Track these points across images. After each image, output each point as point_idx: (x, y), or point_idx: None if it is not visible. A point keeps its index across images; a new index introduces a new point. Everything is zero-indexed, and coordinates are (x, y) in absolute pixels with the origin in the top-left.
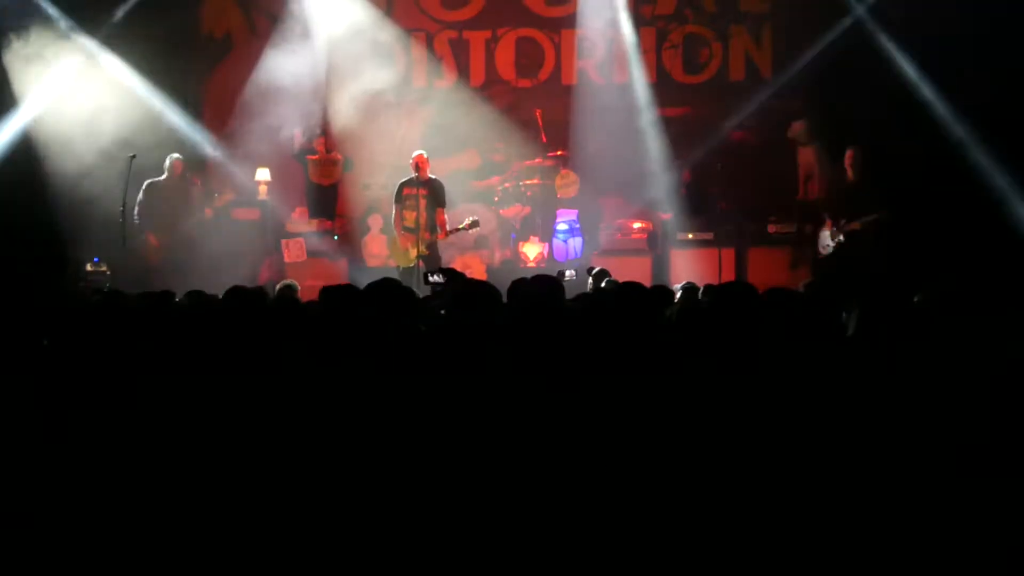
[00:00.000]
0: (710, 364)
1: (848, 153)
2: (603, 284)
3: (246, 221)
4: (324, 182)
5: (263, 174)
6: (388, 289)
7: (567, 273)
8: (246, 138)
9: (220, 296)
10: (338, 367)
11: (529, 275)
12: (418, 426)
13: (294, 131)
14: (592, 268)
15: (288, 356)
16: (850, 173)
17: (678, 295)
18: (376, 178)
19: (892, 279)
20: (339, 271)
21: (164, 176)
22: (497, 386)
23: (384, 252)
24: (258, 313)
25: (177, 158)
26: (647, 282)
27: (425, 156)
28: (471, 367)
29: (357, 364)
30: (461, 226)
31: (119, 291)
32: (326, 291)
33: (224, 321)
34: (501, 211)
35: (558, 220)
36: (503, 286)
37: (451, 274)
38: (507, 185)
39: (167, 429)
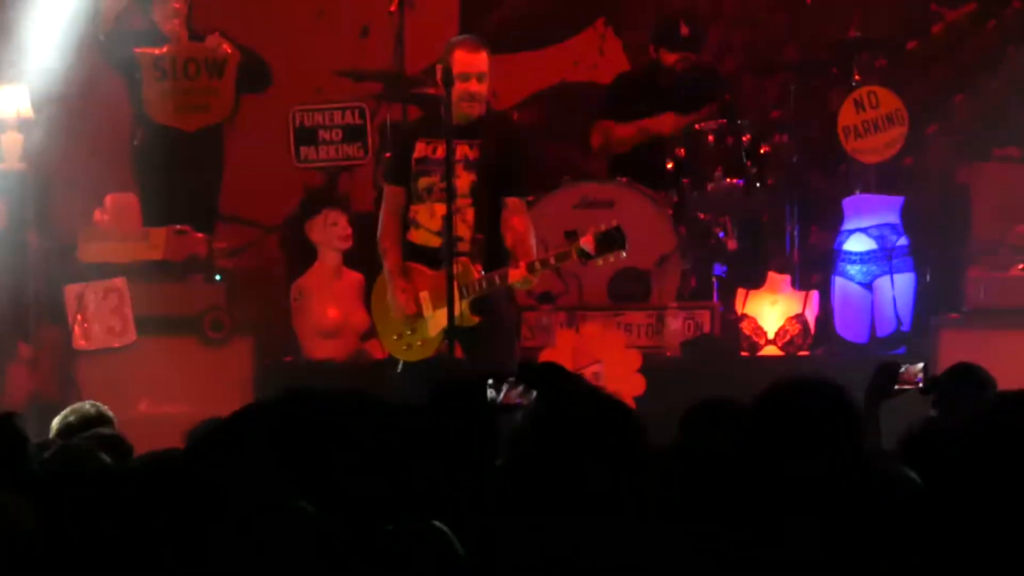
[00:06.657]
0: None
1: None
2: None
3: None
4: (187, 125)
5: (13, 101)
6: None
7: (904, 371)
8: None
9: None
10: None
11: (765, 380)
12: None
13: None
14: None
15: None
16: None
17: None
18: (336, 116)
19: None
20: (230, 375)
21: None
22: None
23: (359, 321)
24: None
25: None
26: None
27: (478, 48)
28: None
29: None
30: (575, 246)
31: None
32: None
33: None
34: (694, 210)
35: (848, 226)
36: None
37: (541, 379)
38: (701, 128)
39: None
